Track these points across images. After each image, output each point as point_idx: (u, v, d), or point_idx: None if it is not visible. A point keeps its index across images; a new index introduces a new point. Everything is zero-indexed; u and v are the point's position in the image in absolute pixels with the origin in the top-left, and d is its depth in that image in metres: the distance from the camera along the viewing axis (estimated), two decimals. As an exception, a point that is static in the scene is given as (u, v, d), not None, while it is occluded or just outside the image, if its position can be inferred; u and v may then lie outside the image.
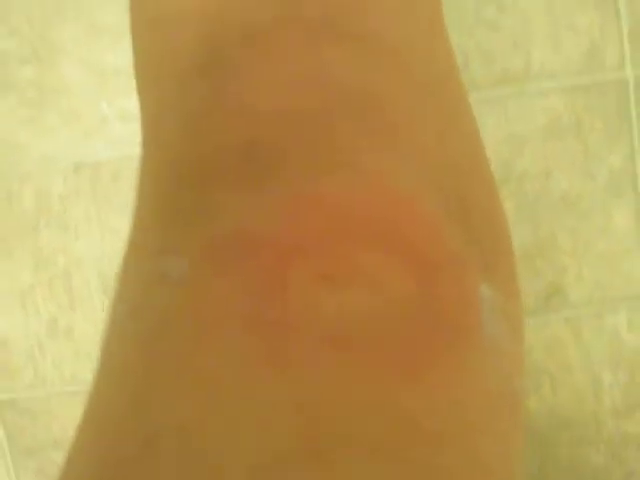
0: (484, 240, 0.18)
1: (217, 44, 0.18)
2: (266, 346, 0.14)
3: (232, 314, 0.14)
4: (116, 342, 0.16)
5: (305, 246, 0.15)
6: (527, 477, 0.83)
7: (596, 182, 0.80)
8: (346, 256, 0.15)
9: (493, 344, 0.16)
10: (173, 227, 0.16)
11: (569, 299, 0.82)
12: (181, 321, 0.15)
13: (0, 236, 0.80)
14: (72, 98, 0.79)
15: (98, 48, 0.78)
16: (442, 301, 0.15)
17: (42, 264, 0.80)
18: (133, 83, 0.75)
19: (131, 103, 0.79)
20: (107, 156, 0.79)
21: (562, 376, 0.82)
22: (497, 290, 0.17)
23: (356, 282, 0.14)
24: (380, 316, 0.14)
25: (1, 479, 0.83)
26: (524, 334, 0.19)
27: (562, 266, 0.81)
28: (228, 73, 0.18)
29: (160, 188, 0.18)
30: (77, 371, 0.82)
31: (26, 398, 0.82)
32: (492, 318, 0.16)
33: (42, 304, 0.81)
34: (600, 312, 0.82)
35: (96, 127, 0.79)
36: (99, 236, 0.80)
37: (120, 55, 0.78)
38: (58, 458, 0.82)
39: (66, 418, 0.82)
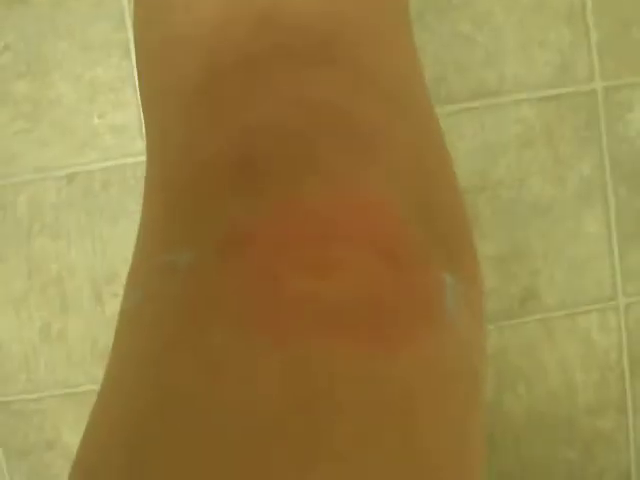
0: (448, 237, 0.20)
1: (215, 69, 0.20)
2: (262, 325, 0.16)
3: (233, 299, 0.16)
4: (131, 324, 0.18)
5: (291, 242, 0.17)
6: (505, 474, 0.85)
7: (567, 189, 0.82)
8: (326, 250, 0.17)
9: (455, 325, 0.18)
10: (180, 226, 0.18)
11: (542, 302, 0.83)
12: (191, 304, 0.16)
13: (-5, 244, 0.81)
14: (65, 111, 0.80)
15: (90, 64, 0.80)
16: (410, 286, 0.17)
17: (35, 271, 0.81)
18: (122, 97, 0.78)
19: (121, 116, 0.80)
20: (98, 167, 0.80)
21: (537, 376, 0.83)
22: (460, 280, 0.19)
23: (335, 271, 0.16)
24: (358, 299, 0.16)
25: (-4, 480, 0.83)
26: (485, 320, 0.21)
27: (535, 270, 0.82)
28: (224, 95, 0.20)
29: (166, 194, 0.20)
30: (69, 375, 0.82)
31: (19, 401, 0.82)
32: (454, 303, 0.18)
33: (35, 310, 0.82)
34: (572, 314, 0.83)
35: (88, 139, 0.80)
36: (91, 244, 0.81)
37: (110, 70, 0.80)
38: (50, 459, 0.84)
39: (58, 420, 0.83)
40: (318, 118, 0.19)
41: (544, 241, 0.82)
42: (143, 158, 0.81)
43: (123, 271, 0.82)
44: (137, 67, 0.24)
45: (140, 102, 0.74)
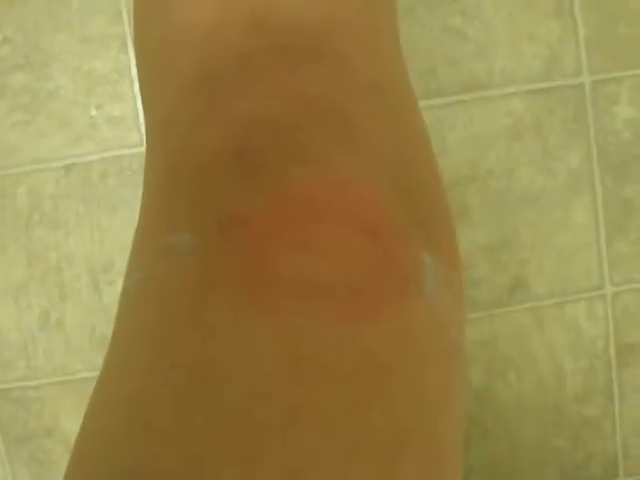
0: (428, 221, 0.21)
1: (212, 64, 0.21)
2: (255, 298, 0.17)
3: (230, 276, 0.17)
4: (134, 304, 0.19)
5: (282, 225, 0.18)
6: (495, 461, 0.86)
7: (556, 180, 0.83)
8: (313, 231, 0.18)
9: (433, 301, 0.19)
10: (181, 210, 0.19)
11: (532, 291, 0.84)
12: (192, 282, 0.18)
13: (-5, 234, 0.82)
14: (63, 103, 0.81)
15: (87, 56, 0.81)
16: (388, 262, 0.18)
17: (35, 260, 0.82)
18: (120, 89, 0.80)
19: (118, 108, 0.81)
20: (96, 158, 0.82)
21: (526, 364, 0.85)
22: (439, 261, 0.20)
23: (321, 250, 0.18)
24: (342, 273, 0.18)
25: (-5, 465, 0.84)
26: (464, 299, 0.22)
27: (524, 260, 0.83)
28: (222, 88, 0.21)
29: (166, 180, 0.21)
30: (68, 362, 0.84)
31: (18, 388, 0.83)
32: (433, 281, 0.19)
33: (34, 298, 0.83)
34: (561, 303, 0.84)
35: (85, 131, 0.81)
36: (89, 233, 0.82)
37: (108, 63, 0.81)
38: (49, 446, 0.85)
39: (57, 407, 0.84)
40: (310, 111, 0.20)
41: (533, 231, 0.83)
42: (140, 149, 0.82)
43: (120, 260, 0.83)
44: (137, 61, 0.25)
45: (139, 94, 0.75)
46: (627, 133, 0.83)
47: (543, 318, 0.84)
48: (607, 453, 0.85)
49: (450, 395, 0.19)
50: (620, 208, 0.83)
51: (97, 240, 0.83)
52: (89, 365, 0.84)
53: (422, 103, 0.81)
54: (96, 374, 0.84)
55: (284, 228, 0.18)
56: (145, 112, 0.24)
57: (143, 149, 0.82)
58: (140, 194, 0.82)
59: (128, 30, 0.81)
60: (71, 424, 0.85)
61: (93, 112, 0.81)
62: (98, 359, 0.84)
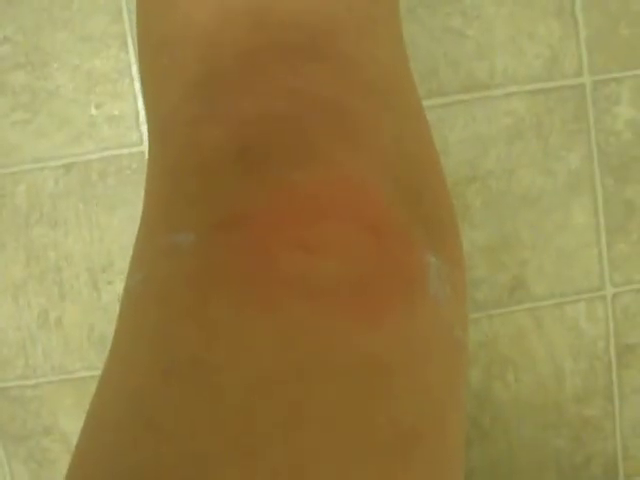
0: (432, 220, 0.21)
1: (214, 61, 0.21)
2: (257, 295, 0.17)
3: (232, 274, 0.17)
4: (136, 302, 0.19)
5: (285, 223, 0.18)
6: (494, 461, 0.86)
7: (556, 180, 0.82)
8: (316, 230, 0.18)
9: (436, 301, 0.19)
10: (183, 209, 0.19)
11: (531, 291, 0.84)
12: (194, 280, 0.18)
13: (-6, 232, 0.82)
14: (63, 102, 0.81)
15: (88, 55, 0.81)
16: (393, 262, 0.18)
17: (34, 259, 0.82)
18: (120, 88, 0.80)
19: (118, 107, 0.81)
20: (95, 157, 0.81)
21: (526, 364, 0.84)
22: (443, 261, 0.20)
23: (323, 248, 0.18)
24: (345, 272, 0.18)
25: (-7, 464, 0.84)
26: (467, 299, 0.22)
27: (525, 260, 0.83)
28: (223, 86, 0.21)
29: (168, 179, 0.21)
30: (66, 361, 0.83)
31: (17, 387, 0.83)
32: (437, 281, 0.19)
33: (33, 297, 0.83)
34: (561, 303, 0.84)
35: (85, 129, 0.81)
36: (88, 232, 0.82)
37: (108, 62, 0.81)
38: (47, 445, 0.85)
39: (55, 406, 0.84)
40: (312, 110, 0.20)
41: (533, 231, 0.83)
42: (139, 149, 0.82)
43: (120, 259, 0.83)
44: (139, 58, 0.25)
45: (139, 93, 0.75)
46: (628, 134, 0.83)
47: (543, 319, 0.84)
48: (607, 454, 0.85)
49: (455, 393, 0.19)
50: (621, 209, 0.83)
51: (96, 239, 0.83)
52: (88, 364, 0.84)
53: (423, 103, 0.81)
54: (95, 373, 0.84)
55: (287, 225, 0.18)
56: (147, 110, 0.24)
57: (143, 148, 0.82)
58: (140, 193, 0.82)
59: (128, 29, 0.81)
60: (69, 423, 0.85)
61: (93, 111, 0.81)
62: (97, 358, 0.84)
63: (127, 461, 0.16)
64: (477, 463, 0.85)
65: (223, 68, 0.21)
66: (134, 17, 0.80)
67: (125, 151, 0.81)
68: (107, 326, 0.83)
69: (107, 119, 0.81)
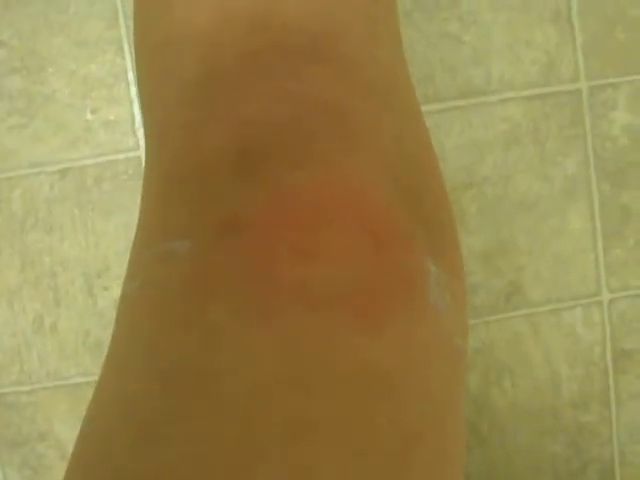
0: (433, 222, 0.21)
1: (213, 64, 0.21)
2: (256, 306, 0.17)
3: (230, 280, 0.17)
4: (133, 310, 0.19)
5: (284, 228, 0.18)
6: (491, 467, 0.86)
7: (553, 186, 0.82)
8: (316, 235, 0.18)
9: (436, 309, 0.19)
10: (180, 215, 0.19)
11: (528, 297, 0.84)
12: (191, 287, 0.18)
13: (-11, 237, 0.82)
14: (59, 107, 0.80)
15: (84, 60, 0.80)
16: (392, 269, 0.18)
17: (29, 264, 0.82)
18: (116, 93, 0.80)
19: (114, 112, 0.81)
20: (91, 162, 0.81)
21: (522, 370, 0.84)
22: (442, 269, 0.20)
23: (324, 253, 0.18)
24: (345, 280, 0.17)
25: (-12, 471, 0.84)
26: (467, 307, 0.22)
27: (521, 266, 0.83)
28: (223, 88, 0.20)
29: (165, 183, 0.21)
30: (61, 367, 0.83)
31: (12, 393, 0.83)
32: (436, 289, 0.19)
33: (28, 302, 0.82)
34: (557, 309, 0.84)
35: (81, 134, 0.81)
36: (83, 238, 0.82)
37: (104, 67, 0.81)
38: (42, 451, 0.84)
39: (50, 412, 0.84)
40: (312, 112, 0.20)
41: (529, 237, 0.83)
42: (135, 154, 0.82)
43: (115, 265, 0.83)
44: (136, 61, 0.25)
45: (135, 98, 0.75)
46: (624, 139, 0.83)
47: (539, 324, 0.84)
48: (604, 460, 0.85)
49: (454, 399, 0.19)
50: (617, 214, 0.83)
51: (92, 245, 0.82)
52: (83, 370, 0.84)
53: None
54: (90, 379, 0.84)
55: (286, 231, 0.18)
56: (144, 113, 0.24)
57: (139, 153, 0.82)
58: (136, 199, 0.82)
59: (124, 34, 0.81)
60: (64, 429, 0.84)
61: (89, 116, 0.81)
62: (92, 364, 0.84)
63: (120, 464, 0.16)
64: (474, 468, 0.85)
65: (223, 68, 0.21)
66: (130, 22, 0.80)
67: (121, 156, 0.81)
68: (103, 332, 0.83)
69: (103, 124, 0.81)
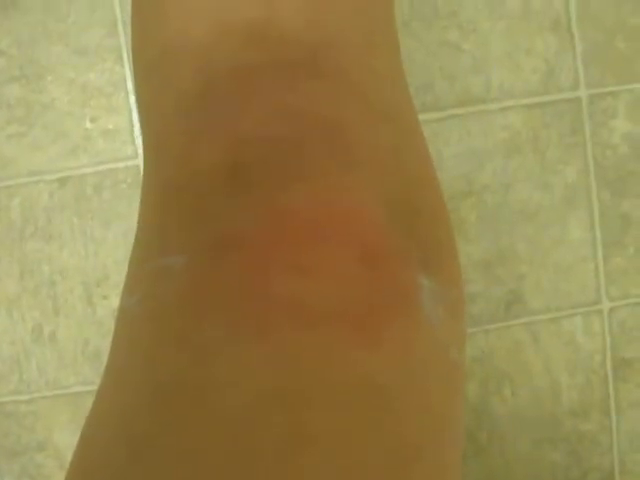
0: (428, 241, 0.21)
1: (210, 75, 0.21)
2: (253, 321, 0.17)
3: (226, 296, 0.17)
4: (130, 324, 0.19)
5: (279, 245, 0.18)
6: (491, 476, 0.86)
7: (553, 194, 0.82)
8: (309, 253, 0.18)
9: (430, 323, 0.19)
10: (175, 230, 0.19)
11: (528, 306, 0.84)
12: (186, 302, 0.18)
13: (-12, 246, 0.81)
14: (58, 115, 0.80)
15: (82, 68, 0.80)
16: (387, 285, 0.18)
17: (28, 273, 0.82)
18: (115, 102, 0.80)
19: (113, 121, 0.81)
20: (90, 171, 0.81)
21: (522, 379, 0.84)
22: (437, 282, 0.20)
23: (317, 272, 0.18)
24: (340, 296, 0.17)
25: (-13, 480, 0.84)
26: (465, 319, 0.22)
27: (521, 274, 0.83)
28: (219, 103, 0.20)
29: (162, 198, 0.21)
30: (60, 376, 0.83)
31: (11, 402, 0.83)
32: (430, 303, 0.19)
33: (27, 311, 0.82)
34: (557, 318, 0.84)
35: (80, 143, 0.81)
36: (82, 246, 0.82)
37: (103, 75, 0.81)
38: (41, 460, 0.84)
39: (50, 421, 0.83)
40: (308, 128, 0.20)
41: (529, 245, 0.83)
42: (134, 162, 0.82)
43: (114, 273, 0.83)
44: (135, 75, 0.25)
45: (134, 107, 0.75)
46: (624, 147, 0.83)
47: (539, 333, 0.84)
48: (604, 469, 0.85)
49: (452, 411, 0.19)
50: (617, 223, 0.83)
51: (91, 253, 0.82)
52: (82, 379, 0.83)
53: (419, 117, 0.81)
54: (89, 388, 0.83)
55: (281, 247, 0.18)
56: (142, 123, 0.24)
57: (138, 162, 0.82)
58: (135, 207, 0.82)
59: (124, 42, 0.81)
60: (64, 438, 0.84)
61: (88, 124, 0.81)
62: (91, 373, 0.84)
63: (118, 477, 0.16)
64: (474, 477, 0.85)
65: (218, 84, 0.21)
66: (129, 30, 0.80)
67: (120, 165, 0.81)
68: (102, 341, 0.83)
69: (102, 133, 0.81)
